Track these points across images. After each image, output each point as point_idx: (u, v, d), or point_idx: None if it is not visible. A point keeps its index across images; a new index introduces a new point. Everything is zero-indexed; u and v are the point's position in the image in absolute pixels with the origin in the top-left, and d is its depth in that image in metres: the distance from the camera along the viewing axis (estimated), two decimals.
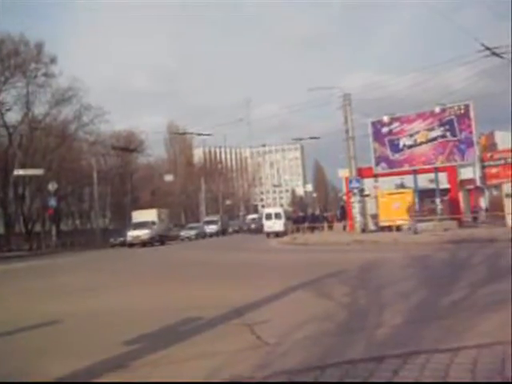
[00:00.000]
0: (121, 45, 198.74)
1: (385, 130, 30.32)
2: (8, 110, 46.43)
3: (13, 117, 47.02)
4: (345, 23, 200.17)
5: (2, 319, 8.28)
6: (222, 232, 58.59)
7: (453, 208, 29.28)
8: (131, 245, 38.36)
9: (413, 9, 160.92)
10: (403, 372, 4.04)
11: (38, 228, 49.13)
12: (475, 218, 32.56)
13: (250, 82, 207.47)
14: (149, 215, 42.21)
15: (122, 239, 42.52)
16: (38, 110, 49.09)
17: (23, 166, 42.34)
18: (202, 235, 52.93)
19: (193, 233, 52.35)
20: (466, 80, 52.08)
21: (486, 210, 38.20)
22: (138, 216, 43.23)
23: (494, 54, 23.47)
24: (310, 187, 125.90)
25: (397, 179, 31.63)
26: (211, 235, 55.48)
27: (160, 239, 40.97)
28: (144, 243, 38.10)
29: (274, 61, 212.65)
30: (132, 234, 39.20)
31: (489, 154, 39.73)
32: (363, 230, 29.35)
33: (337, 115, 35.61)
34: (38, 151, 47.19)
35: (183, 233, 52.75)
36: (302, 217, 42.33)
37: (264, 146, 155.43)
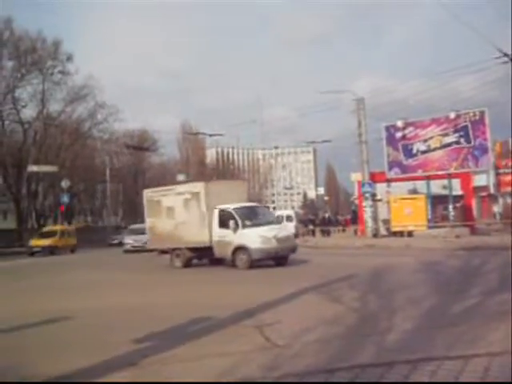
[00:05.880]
0: (134, 43, 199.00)
1: (398, 134, 30.10)
2: (23, 106, 46.76)
3: (28, 113, 47.36)
4: (355, 26, 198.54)
5: (10, 315, 8.32)
6: None
7: (466, 215, 29.01)
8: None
9: (424, 11, 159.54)
10: (413, 378, 4.03)
11: (50, 224, 49.48)
12: (488, 225, 32.22)
13: (261, 83, 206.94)
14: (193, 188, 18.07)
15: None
16: (53, 107, 49.31)
17: (37, 163, 42.50)
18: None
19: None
20: (482, 86, 51.60)
21: (500, 216, 37.82)
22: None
23: None
24: (321, 190, 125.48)
25: (409, 184, 31.40)
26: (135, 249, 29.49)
27: None
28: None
29: (284, 62, 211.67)
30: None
31: (503, 162, 39.36)
32: (374, 235, 29.16)
33: (349, 118, 35.46)
34: (52, 148, 47.45)
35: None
36: (311, 220, 42.03)
37: (276, 147, 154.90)
